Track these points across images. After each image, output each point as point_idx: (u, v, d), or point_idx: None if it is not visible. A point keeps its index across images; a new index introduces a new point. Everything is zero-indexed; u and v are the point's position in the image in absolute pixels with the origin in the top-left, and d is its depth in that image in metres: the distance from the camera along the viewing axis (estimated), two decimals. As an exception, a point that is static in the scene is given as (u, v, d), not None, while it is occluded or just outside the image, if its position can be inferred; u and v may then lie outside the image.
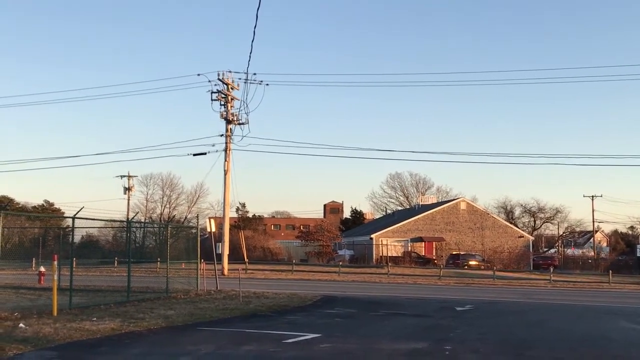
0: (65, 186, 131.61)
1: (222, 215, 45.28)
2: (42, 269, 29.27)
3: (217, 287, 25.83)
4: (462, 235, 67.77)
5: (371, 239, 65.72)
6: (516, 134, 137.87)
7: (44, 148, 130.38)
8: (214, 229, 28.49)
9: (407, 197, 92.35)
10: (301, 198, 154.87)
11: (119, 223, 43.16)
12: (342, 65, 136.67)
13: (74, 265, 20.63)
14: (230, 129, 43.04)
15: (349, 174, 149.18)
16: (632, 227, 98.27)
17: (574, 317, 19.80)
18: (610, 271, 44.88)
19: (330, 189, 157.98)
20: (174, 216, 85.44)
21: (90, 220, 25.91)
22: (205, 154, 43.25)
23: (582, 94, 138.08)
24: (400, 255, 62.72)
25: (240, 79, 42.48)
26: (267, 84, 42.07)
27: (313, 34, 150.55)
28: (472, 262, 59.03)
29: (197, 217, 37.80)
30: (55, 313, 16.01)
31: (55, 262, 16.90)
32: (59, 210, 78.58)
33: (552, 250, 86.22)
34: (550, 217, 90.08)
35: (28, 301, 19.53)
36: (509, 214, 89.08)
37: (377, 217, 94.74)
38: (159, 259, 32.28)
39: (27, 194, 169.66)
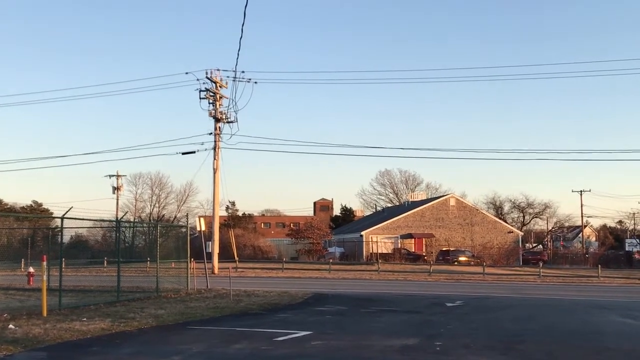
0: (53, 186, 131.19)
1: (211, 214, 45.20)
2: (31, 269, 29.11)
3: (207, 286, 25.77)
4: (452, 232, 68.02)
5: (361, 236, 65.83)
6: (505, 129, 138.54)
7: (32, 148, 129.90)
8: (203, 228, 28.41)
9: (396, 194, 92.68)
10: (291, 196, 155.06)
11: (108, 223, 42.96)
12: (331, 63, 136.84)
13: (63, 266, 20.51)
14: (219, 127, 42.97)
15: (339, 172, 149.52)
16: (620, 222, 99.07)
17: (564, 311, 19.89)
18: (599, 266, 45.10)
19: (320, 186, 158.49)
20: (163, 215, 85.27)
21: (79, 220, 25.78)
22: (194, 152, 43.25)
23: (571, 90, 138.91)
24: (390, 252, 62.91)
25: (228, 77, 42.49)
26: (255, 82, 42.09)
27: (301, 31, 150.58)
28: (462, 258, 59.32)
29: (187, 216, 37.61)
30: (44, 314, 15.93)
31: (45, 263, 16.82)
32: (47, 210, 78.22)
33: (541, 246, 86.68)
34: (539, 212, 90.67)
35: (17, 302, 19.41)
36: (498, 209, 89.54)
37: (367, 214, 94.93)
38: (148, 259, 32.12)
39: (16, 195, 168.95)
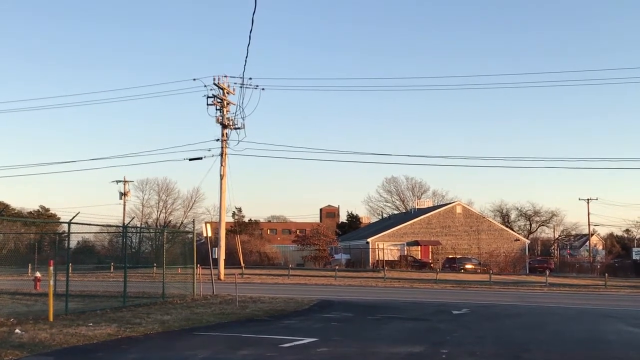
0: (61, 191, 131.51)
1: (218, 220, 45.22)
2: (38, 274, 29.22)
3: (213, 292, 25.79)
4: (458, 239, 67.87)
5: (367, 243, 65.75)
6: (512, 137, 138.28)
7: (39, 153, 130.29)
8: (210, 234, 28.44)
9: (403, 201, 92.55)
10: (297, 202, 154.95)
11: (114, 228, 43.10)
12: (338, 69, 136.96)
13: (70, 271, 20.56)
14: (226, 133, 42.99)
15: (345, 178, 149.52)
16: (627, 230, 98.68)
17: (571, 320, 19.83)
18: (606, 274, 44.94)
19: (327, 193, 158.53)
20: (170, 221, 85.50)
21: (86, 226, 25.88)
22: (201, 158, 43.24)
23: (577, 97, 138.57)
24: (396, 259, 62.80)
25: (235, 83, 42.52)
26: (262, 89, 42.07)
27: (308, 38, 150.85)
28: (469, 266, 59.15)
29: (193, 221, 37.56)
30: (51, 319, 15.97)
31: (51, 268, 16.85)
32: (54, 215, 78.40)
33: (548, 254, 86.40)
34: (545, 220, 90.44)
35: (24, 307, 19.47)
36: (504, 217, 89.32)
37: (374, 221, 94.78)
38: (155, 264, 32.25)
39: (23, 200, 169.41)
